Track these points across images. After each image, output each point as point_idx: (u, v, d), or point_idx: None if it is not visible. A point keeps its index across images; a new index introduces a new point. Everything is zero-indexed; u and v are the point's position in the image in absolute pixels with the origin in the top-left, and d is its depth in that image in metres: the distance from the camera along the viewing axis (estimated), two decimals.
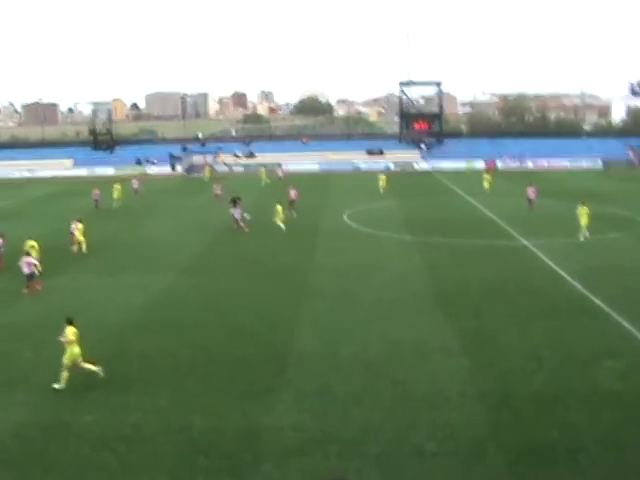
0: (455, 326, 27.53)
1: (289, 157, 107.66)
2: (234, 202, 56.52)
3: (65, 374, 21.82)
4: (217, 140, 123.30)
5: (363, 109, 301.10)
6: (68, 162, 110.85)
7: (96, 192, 66.15)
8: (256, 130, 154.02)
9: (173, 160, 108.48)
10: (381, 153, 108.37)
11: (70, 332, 22.28)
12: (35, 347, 25.96)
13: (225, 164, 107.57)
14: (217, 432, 18.83)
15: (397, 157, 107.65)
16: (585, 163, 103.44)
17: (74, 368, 21.96)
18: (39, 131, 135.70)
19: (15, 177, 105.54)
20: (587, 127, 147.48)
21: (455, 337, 26.28)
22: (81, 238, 42.66)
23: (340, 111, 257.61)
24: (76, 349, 22.10)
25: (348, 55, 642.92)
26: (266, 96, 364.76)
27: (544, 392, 21.00)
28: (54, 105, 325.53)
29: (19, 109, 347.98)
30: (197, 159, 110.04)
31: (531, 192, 57.77)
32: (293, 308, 30.54)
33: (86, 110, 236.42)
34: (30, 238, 38.35)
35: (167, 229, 52.09)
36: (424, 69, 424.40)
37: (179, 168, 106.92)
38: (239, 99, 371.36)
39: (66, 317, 22.87)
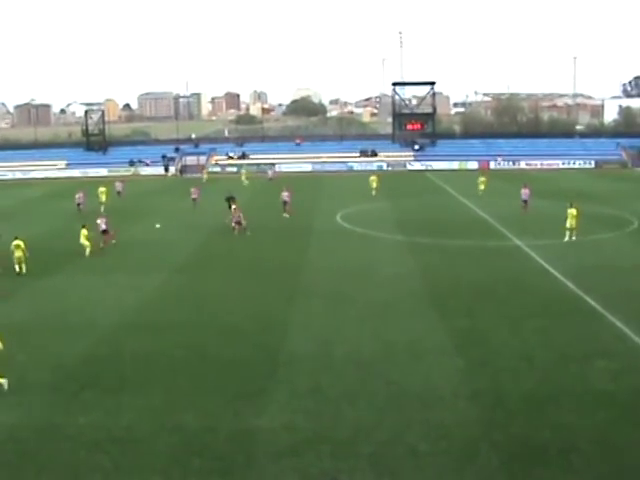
0: (448, 326, 27.58)
1: (282, 158, 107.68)
2: (229, 201, 56.57)
3: None
4: (210, 141, 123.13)
5: (356, 109, 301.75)
6: (61, 163, 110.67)
7: (80, 195, 64.27)
8: (249, 131, 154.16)
9: (166, 161, 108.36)
10: (374, 154, 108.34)
11: None
12: (29, 349, 25.89)
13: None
14: (210, 432, 18.83)
15: (390, 158, 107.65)
16: (578, 163, 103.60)
17: None
18: (32, 132, 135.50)
19: (8, 178, 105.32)
20: (580, 127, 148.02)
21: (448, 337, 26.32)
22: (86, 242, 42.38)
23: (333, 112, 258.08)
24: None
25: (341, 55, 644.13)
26: (259, 96, 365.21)
27: (537, 392, 21.04)
28: (47, 106, 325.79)
29: (11, 110, 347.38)
30: (190, 160, 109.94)
31: (525, 193, 57.28)
32: (286, 308, 30.55)
33: (79, 111, 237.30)
34: (17, 237, 38.55)
35: (159, 230, 52.00)
36: (417, 69, 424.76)
37: (172, 169, 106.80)
38: (232, 99, 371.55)
39: None
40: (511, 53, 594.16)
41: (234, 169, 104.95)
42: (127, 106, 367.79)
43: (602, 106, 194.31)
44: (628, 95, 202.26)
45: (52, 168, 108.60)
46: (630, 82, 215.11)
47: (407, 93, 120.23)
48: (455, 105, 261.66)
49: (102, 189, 66.71)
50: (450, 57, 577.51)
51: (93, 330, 27.97)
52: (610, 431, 18.44)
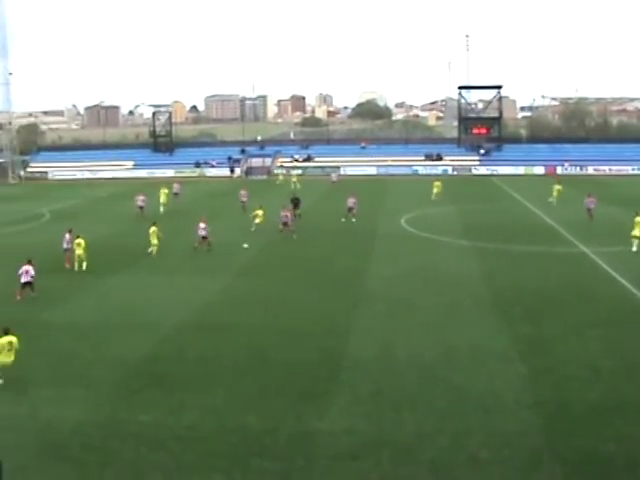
0: (512, 332, 27.28)
1: (347, 161, 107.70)
2: (295, 203, 56.69)
3: None
4: (276, 143, 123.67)
5: (421, 113, 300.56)
6: (128, 164, 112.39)
7: (141, 197, 62.37)
8: (314, 133, 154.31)
9: (232, 163, 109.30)
10: (439, 158, 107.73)
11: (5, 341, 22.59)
12: (95, 346, 26.35)
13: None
14: (271, 434, 18.90)
15: (455, 162, 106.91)
16: None
17: None
18: (101, 133, 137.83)
19: (77, 178, 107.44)
20: None
21: (512, 343, 26.03)
22: (155, 241, 43.11)
23: (398, 115, 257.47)
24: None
25: (407, 58, 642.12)
26: (324, 99, 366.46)
27: (602, 402, 20.66)
28: (115, 108, 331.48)
29: (82, 111, 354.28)
30: (255, 162, 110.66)
31: (590, 202, 55.62)
32: (349, 312, 30.54)
33: (147, 112, 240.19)
34: (78, 236, 39.59)
35: (223, 231, 52.39)
36: (483, 72, 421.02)
37: (237, 171, 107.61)
38: (298, 102, 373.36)
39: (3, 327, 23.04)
40: (580, 56, 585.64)
41: (299, 171, 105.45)
42: (194, 108, 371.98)
43: None
44: None
45: (120, 168, 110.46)
46: None
47: (473, 97, 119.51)
48: (522, 109, 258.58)
49: (164, 190, 66.46)
50: (517, 60, 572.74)
51: (157, 329, 28.32)
52: None
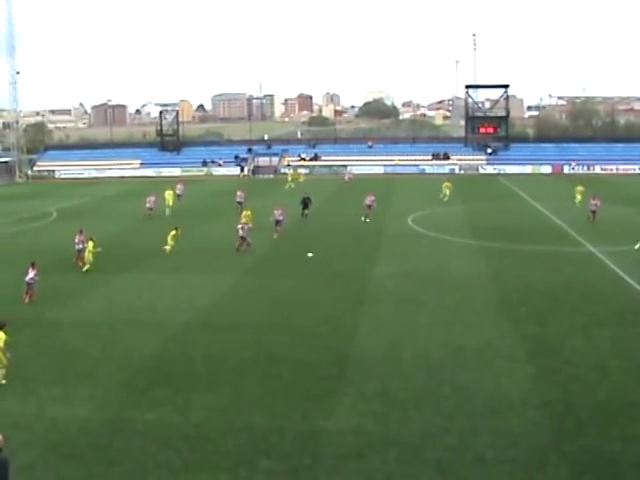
0: (519, 332, 27.25)
1: (354, 160, 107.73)
2: (305, 202, 56.66)
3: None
4: (283, 142, 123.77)
5: (428, 112, 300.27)
6: (135, 163, 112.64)
7: (152, 199, 61.09)
8: (321, 132, 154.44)
9: (239, 161, 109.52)
10: (447, 157, 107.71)
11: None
12: (102, 345, 26.42)
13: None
14: (278, 433, 18.92)
15: (462, 161, 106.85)
16: None
17: None
18: (107, 132, 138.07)
19: (84, 177, 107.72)
20: None
21: (519, 343, 26.01)
22: (171, 242, 43.02)
23: (405, 114, 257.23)
24: None
25: (414, 58, 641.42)
26: (331, 98, 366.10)
27: (609, 402, 20.61)
28: (122, 107, 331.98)
29: (89, 110, 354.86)
30: (263, 161, 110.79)
31: (594, 205, 54.12)
32: (355, 311, 30.55)
33: (153, 111, 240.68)
34: (91, 238, 39.54)
35: (231, 230, 52.41)
36: (490, 72, 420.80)
37: (245, 169, 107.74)
38: (305, 101, 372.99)
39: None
40: (587, 55, 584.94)
41: (306, 171, 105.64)
42: (201, 107, 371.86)
43: None
44: None
45: (127, 167, 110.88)
46: None
47: (480, 96, 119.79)
48: (529, 108, 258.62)
49: (169, 192, 65.02)
50: (524, 59, 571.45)
51: (164, 328, 28.37)
52: None
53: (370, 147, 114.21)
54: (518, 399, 20.90)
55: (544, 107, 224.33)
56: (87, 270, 38.34)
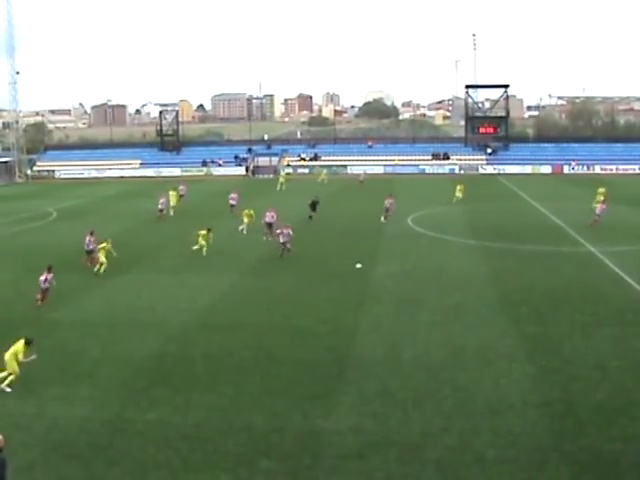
0: (519, 332, 27.24)
1: (354, 160, 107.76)
2: (313, 205, 56.61)
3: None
4: (282, 142, 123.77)
5: (428, 112, 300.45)
6: (135, 163, 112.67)
7: (162, 200, 60.25)
8: (321, 132, 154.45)
9: (239, 161, 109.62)
10: (446, 157, 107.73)
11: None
12: (102, 345, 26.42)
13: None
14: (278, 433, 18.92)
15: (462, 161, 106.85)
16: None
17: None
18: (107, 132, 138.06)
19: (84, 177, 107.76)
20: None
21: (519, 343, 26.00)
22: (202, 242, 42.71)
23: (405, 114, 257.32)
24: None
25: (413, 58, 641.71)
26: (331, 98, 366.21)
27: (609, 402, 20.61)
28: (122, 107, 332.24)
29: (89, 110, 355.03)
30: (262, 161, 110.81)
31: (601, 209, 52.40)
32: (355, 311, 30.55)
33: (153, 111, 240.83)
34: (106, 240, 39.19)
35: (231, 230, 52.44)
36: (490, 72, 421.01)
37: (244, 169, 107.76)
38: (304, 101, 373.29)
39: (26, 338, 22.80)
40: (587, 55, 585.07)
41: (305, 170, 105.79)
42: (201, 107, 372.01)
43: None
44: None
45: (126, 167, 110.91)
46: None
47: (480, 96, 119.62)
48: (529, 108, 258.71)
49: (172, 192, 64.83)
50: (524, 59, 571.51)
51: (164, 328, 28.37)
52: None
53: (370, 147, 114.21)
54: (518, 399, 20.90)
55: (544, 107, 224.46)
56: (98, 271, 37.86)
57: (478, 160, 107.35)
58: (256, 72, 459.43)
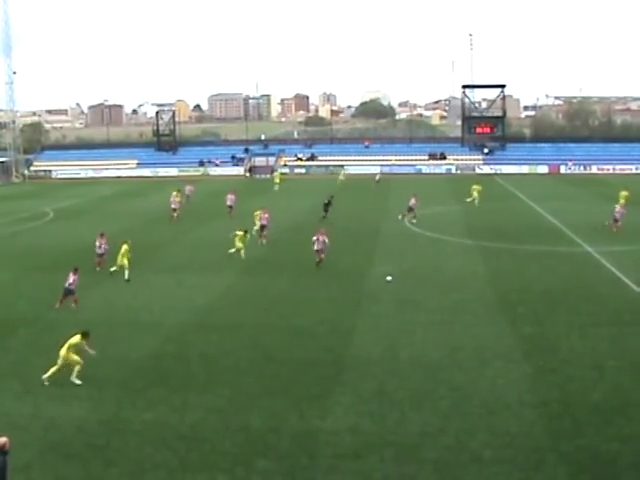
0: (516, 332, 27.27)
1: (351, 160, 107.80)
2: (327, 205, 56.52)
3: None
4: (279, 142, 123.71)
5: (425, 112, 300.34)
6: (132, 163, 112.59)
7: (176, 200, 59.72)
8: (318, 132, 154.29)
9: (236, 161, 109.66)
10: (443, 157, 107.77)
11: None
12: (99, 345, 26.31)
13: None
14: (275, 433, 18.93)
15: (459, 161, 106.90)
16: None
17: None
18: (104, 132, 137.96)
19: (81, 177, 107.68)
20: None
21: (516, 343, 26.03)
22: (240, 244, 41.74)
23: (402, 114, 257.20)
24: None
25: (410, 57, 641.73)
26: (328, 98, 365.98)
27: (606, 402, 20.64)
28: (119, 106, 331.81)
29: (85, 110, 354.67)
30: (259, 161, 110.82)
31: (618, 213, 49.86)
32: (353, 311, 30.56)
33: (150, 111, 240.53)
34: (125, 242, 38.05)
35: (228, 230, 52.43)
36: (487, 72, 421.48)
37: (241, 169, 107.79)
38: (301, 101, 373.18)
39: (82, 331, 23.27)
40: (584, 55, 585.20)
41: (302, 170, 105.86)
42: (197, 107, 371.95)
43: None
44: None
45: (123, 167, 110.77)
46: None
47: (477, 96, 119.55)
48: (525, 108, 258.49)
49: (174, 193, 62.75)
50: (521, 59, 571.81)
51: (161, 328, 28.37)
52: None
53: (367, 147, 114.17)
54: (515, 399, 20.92)
55: (541, 107, 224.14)
56: (112, 272, 37.15)
57: (475, 160, 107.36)
58: (253, 72, 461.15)
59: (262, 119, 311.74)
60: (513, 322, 28.59)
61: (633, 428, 18.88)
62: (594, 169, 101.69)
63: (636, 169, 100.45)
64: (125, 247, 37.21)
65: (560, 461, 17.22)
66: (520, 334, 27.05)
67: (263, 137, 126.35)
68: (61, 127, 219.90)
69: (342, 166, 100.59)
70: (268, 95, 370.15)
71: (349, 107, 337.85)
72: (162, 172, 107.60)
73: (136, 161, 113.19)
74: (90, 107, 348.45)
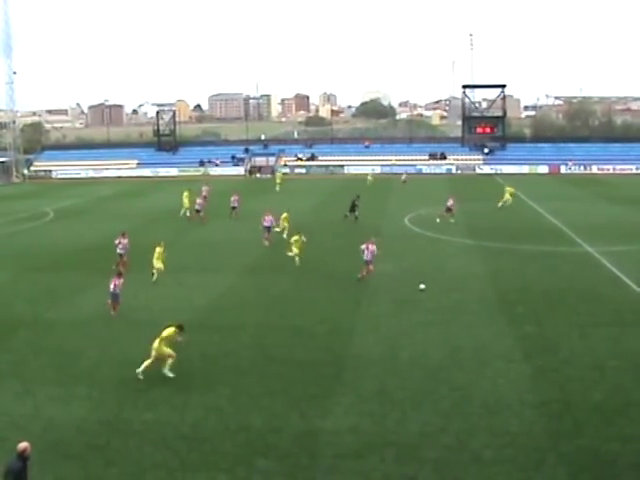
0: (517, 332, 27.25)
1: (351, 160, 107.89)
2: (354, 204, 56.35)
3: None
4: (279, 142, 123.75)
5: (425, 112, 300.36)
6: (132, 162, 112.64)
7: (200, 201, 58.71)
8: (318, 132, 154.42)
9: (236, 161, 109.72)
10: (443, 157, 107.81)
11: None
12: (100, 345, 26.39)
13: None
14: (275, 433, 18.92)
15: (459, 161, 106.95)
16: None
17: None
18: (104, 132, 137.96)
19: (81, 177, 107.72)
20: None
21: (516, 344, 26.01)
22: (296, 250, 39.69)
23: (402, 114, 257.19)
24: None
25: (410, 57, 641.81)
26: (328, 98, 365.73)
27: (606, 402, 20.63)
28: (119, 107, 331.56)
29: (85, 110, 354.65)
30: (259, 161, 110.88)
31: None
32: (353, 311, 30.54)
33: (150, 111, 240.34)
34: (160, 243, 37.18)
35: (230, 230, 52.47)
36: (487, 72, 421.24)
37: (241, 169, 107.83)
38: (301, 101, 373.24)
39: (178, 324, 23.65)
40: (584, 55, 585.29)
41: (302, 170, 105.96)
42: (198, 107, 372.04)
43: None
44: None
45: (123, 167, 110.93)
46: None
47: (477, 96, 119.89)
48: (526, 108, 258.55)
49: (185, 193, 61.69)
50: (521, 59, 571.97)
51: (162, 328, 28.26)
52: None
53: (367, 147, 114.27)
54: (515, 399, 20.91)
55: (541, 107, 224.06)
56: (156, 277, 35.98)
57: (475, 160, 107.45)
58: (253, 72, 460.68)
59: (262, 119, 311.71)
60: (513, 322, 28.58)
61: (633, 428, 18.87)
62: (594, 169, 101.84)
63: (636, 169, 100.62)
64: (159, 249, 36.43)
65: (560, 461, 17.21)
66: (520, 334, 27.03)
67: (263, 137, 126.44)
68: (61, 127, 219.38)
69: (371, 168, 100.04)
70: (268, 95, 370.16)
71: (349, 107, 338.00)
72: (162, 172, 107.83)
73: (136, 161, 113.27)
74: (90, 107, 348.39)
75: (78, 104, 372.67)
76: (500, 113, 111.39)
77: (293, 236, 40.48)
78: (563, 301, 31.70)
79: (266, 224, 46.98)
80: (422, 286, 33.72)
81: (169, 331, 23.18)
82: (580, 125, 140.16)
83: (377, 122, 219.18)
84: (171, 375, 22.74)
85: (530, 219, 57.05)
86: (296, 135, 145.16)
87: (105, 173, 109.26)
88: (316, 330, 27.93)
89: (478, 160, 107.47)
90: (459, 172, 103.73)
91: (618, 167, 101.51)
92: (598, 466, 17.00)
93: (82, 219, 60.31)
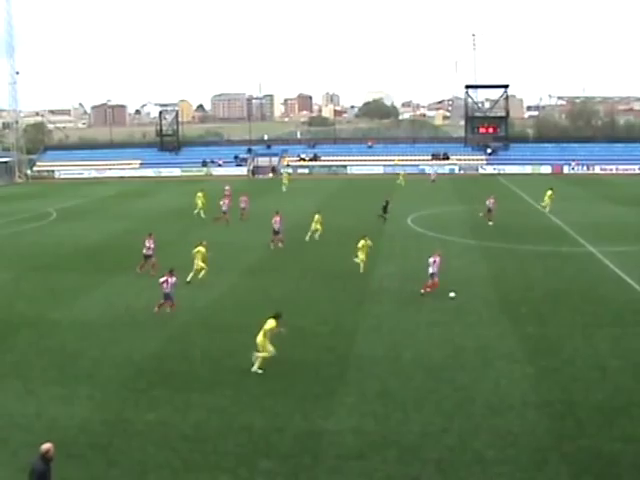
0: (519, 333, 27.23)
1: (354, 160, 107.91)
2: (385, 206, 56.25)
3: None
4: (282, 142, 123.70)
5: (428, 112, 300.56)
6: (135, 163, 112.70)
7: (225, 201, 57.12)
8: (321, 132, 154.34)
9: (239, 161, 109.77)
10: (446, 157, 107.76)
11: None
12: (102, 345, 26.39)
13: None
14: (278, 433, 18.91)
15: (462, 161, 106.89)
16: None
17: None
18: (107, 132, 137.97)
19: (84, 177, 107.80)
20: None
21: (519, 344, 25.99)
22: (362, 257, 38.19)
23: (405, 114, 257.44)
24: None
25: (413, 58, 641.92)
26: (331, 98, 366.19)
27: (609, 402, 20.61)
28: (122, 107, 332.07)
29: (88, 110, 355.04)
30: (262, 161, 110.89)
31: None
32: (355, 312, 30.53)
33: (153, 112, 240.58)
34: (200, 243, 36.66)
35: (232, 230, 52.46)
36: (490, 72, 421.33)
37: (244, 170, 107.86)
38: (304, 101, 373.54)
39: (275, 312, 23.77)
40: (587, 55, 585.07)
41: (306, 170, 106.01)
42: (201, 107, 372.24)
43: None
44: None
45: (126, 167, 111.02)
46: None
47: (480, 96, 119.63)
48: (529, 108, 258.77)
49: (199, 194, 61.56)
50: (524, 60, 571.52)
51: (164, 328, 28.33)
52: None
53: (370, 147, 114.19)
54: (518, 399, 20.90)
55: (544, 107, 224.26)
56: (202, 277, 35.49)
57: (478, 160, 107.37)
58: (256, 72, 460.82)
59: (265, 119, 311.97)
60: (516, 322, 28.56)
61: (636, 428, 18.85)
62: (597, 169, 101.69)
63: (639, 169, 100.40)
64: (202, 249, 35.92)
65: (563, 461, 17.20)
66: (523, 334, 27.01)
67: (266, 137, 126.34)
68: (64, 127, 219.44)
69: (403, 167, 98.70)
70: (271, 95, 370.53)
71: (352, 107, 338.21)
72: (165, 172, 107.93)
73: (139, 161, 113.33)
74: (93, 107, 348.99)
75: (81, 104, 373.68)
76: (503, 113, 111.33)
77: (359, 241, 38.56)
78: (566, 301, 31.68)
79: (275, 227, 45.75)
80: (452, 294, 32.92)
81: (271, 324, 23.22)
82: (583, 125, 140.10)
83: (380, 122, 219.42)
84: (260, 371, 22.99)
85: (533, 219, 56.97)
86: (299, 135, 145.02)
87: (108, 173, 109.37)
88: (319, 330, 27.93)
89: (481, 160, 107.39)
90: (462, 172, 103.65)
91: (621, 167, 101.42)
92: (600, 466, 16.99)
93: (85, 219, 60.32)
